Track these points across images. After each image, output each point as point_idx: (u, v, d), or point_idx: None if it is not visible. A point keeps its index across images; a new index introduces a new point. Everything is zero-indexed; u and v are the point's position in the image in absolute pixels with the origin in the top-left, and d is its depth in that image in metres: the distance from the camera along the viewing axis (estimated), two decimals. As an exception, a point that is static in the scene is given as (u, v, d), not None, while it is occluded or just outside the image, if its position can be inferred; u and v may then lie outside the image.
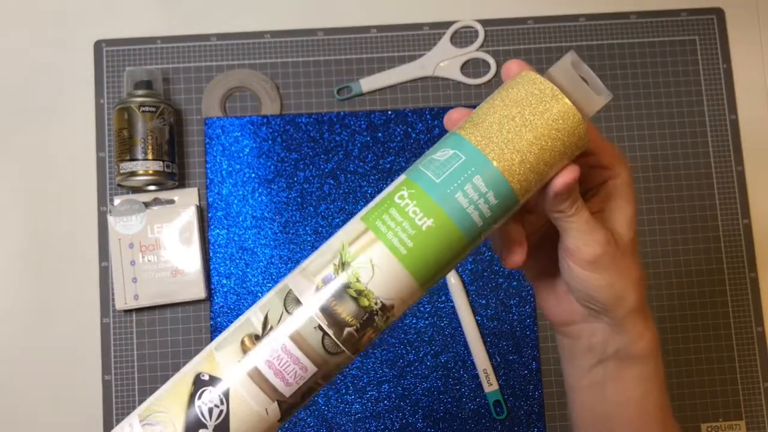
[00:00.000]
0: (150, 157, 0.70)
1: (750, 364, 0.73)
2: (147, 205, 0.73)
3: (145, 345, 0.71)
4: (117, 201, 0.73)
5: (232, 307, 0.72)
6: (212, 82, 0.75)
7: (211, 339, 0.71)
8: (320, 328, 0.35)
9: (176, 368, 0.71)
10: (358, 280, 0.35)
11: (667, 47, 0.78)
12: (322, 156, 0.74)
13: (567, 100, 0.36)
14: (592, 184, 0.44)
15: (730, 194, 0.76)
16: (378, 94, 0.76)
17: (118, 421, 0.70)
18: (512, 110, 0.36)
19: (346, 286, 0.35)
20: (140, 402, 0.71)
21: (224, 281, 0.72)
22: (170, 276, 0.71)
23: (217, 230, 0.72)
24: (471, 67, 0.77)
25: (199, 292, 0.71)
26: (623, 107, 0.77)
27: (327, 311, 0.35)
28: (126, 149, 0.70)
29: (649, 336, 0.44)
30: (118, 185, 0.72)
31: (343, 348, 0.35)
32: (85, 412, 0.71)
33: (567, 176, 0.38)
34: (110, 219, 0.71)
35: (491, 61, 0.77)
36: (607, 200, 0.43)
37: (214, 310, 0.71)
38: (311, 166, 0.74)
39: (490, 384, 0.71)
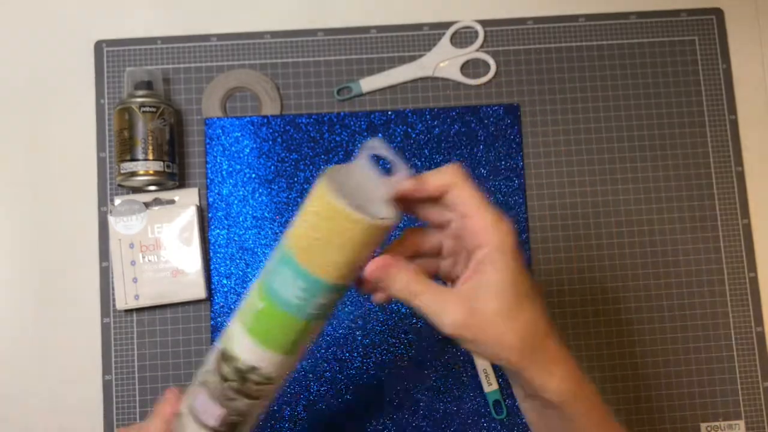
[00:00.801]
0: (150, 157, 0.70)
1: (749, 364, 0.74)
2: (147, 205, 0.73)
3: (146, 345, 0.72)
4: (117, 201, 0.73)
5: (232, 307, 0.72)
6: (212, 83, 0.75)
7: (212, 339, 0.71)
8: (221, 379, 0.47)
9: (176, 368, 0.71)
10: (229, 349, 0.47)
11: (667, 47, 0.78)
12: (323, 156, 0.74)
13: (358, 216, 0.42)
14: (469, 247, 0.46)
15: (730, 194, 0.76)
16: (378, 94, 0.76)
17: (119, 421, 0.71)
18: (318, 231, 0.43)
19: (222, 352, 0.47)
20: (141, 402, 0.71)
21: (224, 281, 0.72)
22: (170, 276, 0.71)
23: (218, 230, 0.73)
24: (471, 67, 0.77)
25: (199, 292, 0.71)
26: (623, 107, 0.77)
27: (216, 372, 0.47)
28: (126, 149, 0.70)
29: (555, 384, 0.45)
30: (119, 185, 0.72)
31: (237, 396, 0.47)
32: (85, 411, 0.71)
33: (370, 268, 0.45)
34: (111, 219, 0.72)
35: (491, 61, 0.77)
36: (475, 270, 0.45)
37: (214, 310, 0.72)
38: (311, 167, 0.74)
39: (489, 384, 0.71)
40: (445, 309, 0.45)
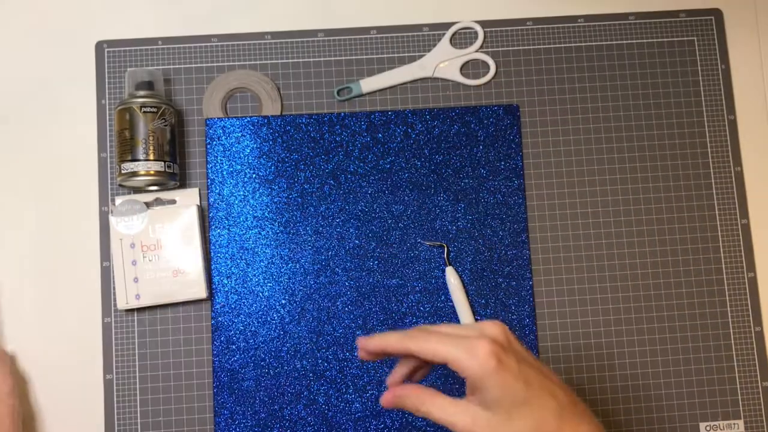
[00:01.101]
0: (151, 157, 0.70)
1: (748, 364, 0.74)
2: (148, 205, 0.73)
3: (147, 344, 0.72)
4: (118, 201, 0.73)
5: (233, 306, 0.72)
6: (213, 83, 0.76)
7: (212, 339, 0.71)
8: None
9: (177, 367, 0.71)
10: None
11: (666, 48, 0.78)
12: (323, 156, 0.74)
13: None
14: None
15: (729, 195, 0.76)
16: (378, 94, 0.77)
17: (119, 421, 0.71)
18: None
19: None
20: (141, 401, 0.71)
21: (225, 281, 0.72)
22: (171, 276, 0.71)
23: (218, 230, 0.73)
24: (470, 68, 0.77)
25: (200, 291, 0.71)
26: (622, 108, 0.77)
27: None
28: (127, 150, 0.70)
29: None
30: (120, 185, 0.72)
31: None
32: (86, 411, 0.71)
33: (387, 400, 0.51)
34: (111, 219, 0.72)
35: (491, 62, 0.77)
36: (470, 388, 0.49)
37: (215, 310, 0.72)
38: (311, 167, 0.74)
39: (489, 383, 0.71)
40: (454, 423, 0.48)
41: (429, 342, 0.48)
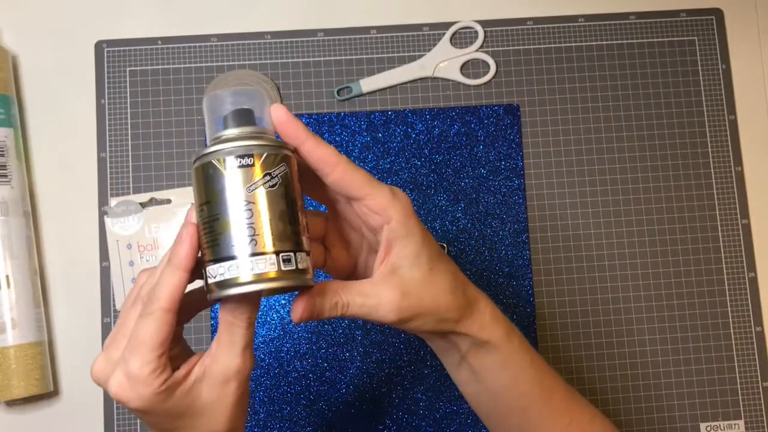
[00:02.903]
0: (260, 249, 0.42)
1: (749, 364, 0.74)
2: (143, 205, 0.73)
3: (146, 345, 0.71)
4: (113, 202, 0.73)
5: (232, 306, 0.72)
6: (213, 83, 0.75)
7: (212, 338, 0.71)
8: None
9: (177, 368, 0.71)
10: None
11: (666, 48, 0.78)
12: (323, 156, 0.74)
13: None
14: (375, 229, 0.46)
15: (729, 194, 0.76)
16: (378, 94, 0.77)
17: (119, 421, 0.70)
18: None
19: None
20: (141, 402, 0.71)
21: (225, 281, 0.72)
22: (171, 276, 0.71)
23: (218, 230, 0.73)
24: (471, 67, 0.77)
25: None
26: (622, 107, 0.77)
27: None
28: (213, 239, 0.42)
29: (489, 322, 0.48)
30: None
31: None
32: (86, 410, 0.71)
33: (297, 315, 0.44)
34: (107, 220, 0.72)
35: (491, 61, 0.77)
36: (387, 249, 0.46)
37: (214, 309, 0.72)
38: (311, 167, 0.74)
39: (489, 384, 0.71)
40: (377, 304, 0.45)
41: (357, 174, 0.44)
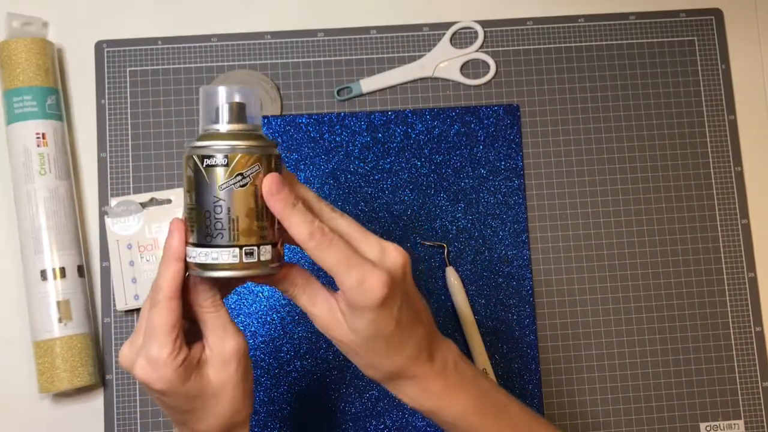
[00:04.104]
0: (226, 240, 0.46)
1: (749, 364, 0.74)
2: (144, 205, 0.73)
3: (146, 345, 0.71)
4: (114, 202, 0.73)
5: (232, 306, 0.72)
6: (213, 83, 0.75)
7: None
8: None
9: (177, 368, 0.71)
10: None
11: (666, 48, 0.78)
12: (323, 156, 0.74)
13: None
14: None
15: (729, 194, 0.76)
16: (378, 94, 0.77)
17: (119, 421, 0.70)
18: None
19: None
20: (141, 403, 0.71)
21: (225, 281, 0.72)
22: (171, 276, 0.71)
23: (218, 230, 0.73)
24: (471, 67, 0.77)
25: (199, 291, 0.71)
26: (622, 108, 0.77)
27: None
28: (192, 224, 0.47)
29: (437, 397, 0.50)
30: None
31: None
32: (86, 410, 0.71)
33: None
34: (107, 221, 0.72)
35: (491, 61, 0.77)
36: (347, 306, 0.47)
37: (214, 310, 0.72)
38: (311, 167, 0.74)
39: (489, 383, 0.71)
40: (319, 317, 0.48)
41: (327, 254, 0.45)
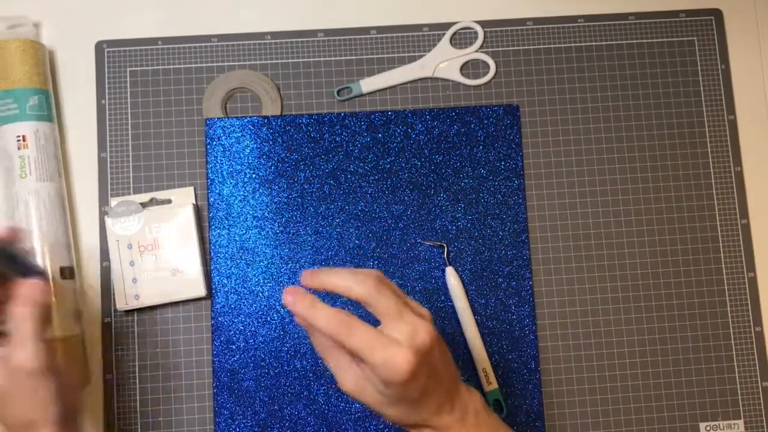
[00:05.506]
0: None
1: (748, 364, 0.74)
2: (144, 205, 0.73)
3: (147, 344, 0.72)
4: (114, 202, 0.73)
5: (233, 306, 0.72)
6: (213, 83, 0.75)
7: (212, 338, 0.71)
8: None
9: (177, 367, 0.71)
10: None
11: (666, 48, 0.78)
12: (323, 156, 0.74)
13: None
14: None
15: (729, 194, 0.76)
16: (378, 94, 0.77)
17: (119, 421, 0.71)
18: None
19: None
20: (141, 401, 0.71)
21: (225, 281, 0.72)
22: (170, 275, 0.71)
23: (218, 230, 0.73)
24: (470, 68, 0.77)
25: (199, 289, 0.71)
26: (622, 108, 0.77)
27: None
28: None
29: (446, 413, 0.53)
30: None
31: None
32: (86, 411, 0.71)
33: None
34: (107, 221, 0.72)
35: (491, 62, 0.77)
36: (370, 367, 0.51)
37: (215, 310, 0.72)
38: (312, 167, 0.74)
39: (489, 383, 0.71)
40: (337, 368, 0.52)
41: (353, 337, 0.48)
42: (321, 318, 0.49)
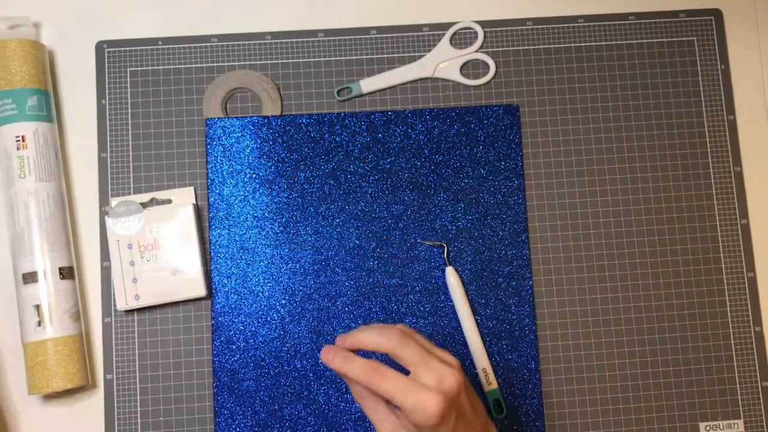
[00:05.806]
0: None
1: (748, 364, 0.74)
2: (144, 205, 0.73)
3: (147, 344, 0.72)
4: (114, 202, 0.73)
5: (233, 306, 0.72)
6: (213, 83, 0.76)
7: (213, 338, 0.71)
8: None
9: (177, 367, 0.71)
10: None
11: (666, 48, 0.79)
12: (323, 156, 0.74)
13: None
14: None
15: (728, 194, 0.76)
16: (378, 94, 0.77)
17: (119, 421, 0.71)
18: None
19: None
20: (142, 401, 0.71)
21: (225, 281, 0.72)
22: (170, 275, 0.71)
23: (218, 230, 0.73)
24: (470, 68, 0.78)
25: (199, 289, 0.71)
26: (622, 108, 0.77)
27: None
28: None
29: None
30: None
31: None
32: (87, 410, 0.71)
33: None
34: (108, 221, 0.72)
35: (490, 62, 0.77)
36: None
37: (215, 310, 0.72)
38: (312, 167, 0.74)
39: (489, 383, 0.71)
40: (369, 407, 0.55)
41: (384, 383, 0.52)
42: (355, 369, 0.53)
